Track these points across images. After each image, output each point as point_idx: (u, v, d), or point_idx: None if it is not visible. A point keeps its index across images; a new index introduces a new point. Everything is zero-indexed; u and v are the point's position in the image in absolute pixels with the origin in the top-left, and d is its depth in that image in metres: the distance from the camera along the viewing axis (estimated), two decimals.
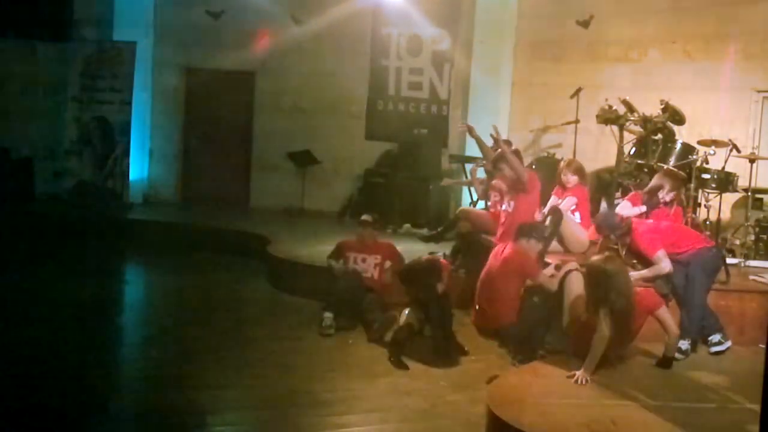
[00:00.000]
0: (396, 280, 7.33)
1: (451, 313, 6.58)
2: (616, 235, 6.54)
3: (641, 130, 7.99)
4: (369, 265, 7.49)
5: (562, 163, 7.96)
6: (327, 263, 7.66)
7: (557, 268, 6.44)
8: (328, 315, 6.89)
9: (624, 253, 6.55)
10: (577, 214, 7.53)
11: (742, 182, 7.82)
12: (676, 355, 5.84)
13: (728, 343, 6.17)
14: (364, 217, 7.84)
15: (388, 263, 7.53)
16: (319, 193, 11.94)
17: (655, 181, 7.20)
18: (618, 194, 8.03)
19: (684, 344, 5.98)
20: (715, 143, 7.86)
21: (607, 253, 6.07)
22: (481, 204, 8.95)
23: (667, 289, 6.27)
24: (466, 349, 6.41)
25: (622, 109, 8.15)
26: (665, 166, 7.49)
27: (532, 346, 6.08)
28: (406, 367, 6.05)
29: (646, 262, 6.38)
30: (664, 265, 6.22)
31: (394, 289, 7.30)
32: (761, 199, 8.06)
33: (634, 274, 6.09)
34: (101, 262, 9.49)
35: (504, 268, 6.42)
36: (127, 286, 9.07)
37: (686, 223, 7.17)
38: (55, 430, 4.76)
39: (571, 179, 7.63)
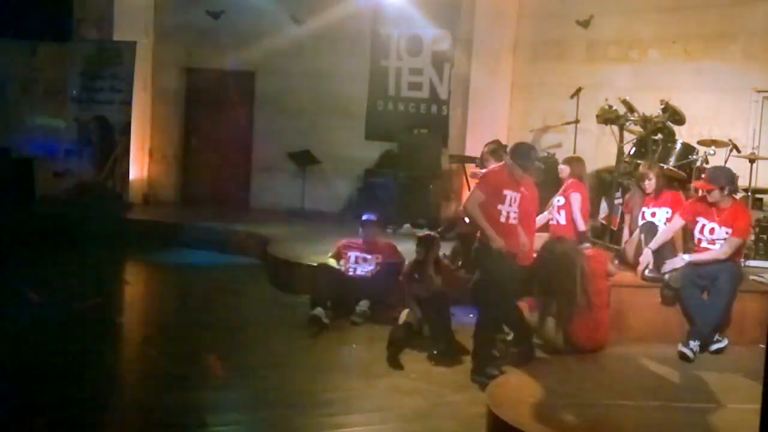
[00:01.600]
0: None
1: (450, 312, 6.58)
2: (727, 191, 6.36)
3: (641, 130, 7.99)
4: (370, 265, 7.51)
5: None
6: (325, 262, 7.67)
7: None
8: (319, 310, 6.98)
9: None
10: (562, 212, 7.50)
11: (742, 182, 7.82)
12: (689, 354, 5.87)
13: (726, 341, 6.18)
14: (366, 216, 7.84)
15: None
16: (319, 193, 11.94)
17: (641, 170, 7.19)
18: (618, 194, 8.03)
19: (694, 345, 5.98)
20: (715, 143, 7.86)
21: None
22: None
23: (672, 290, 6.29)
24: (467, 348, 6.41)
25: (622, 109, 8.15)
26: (664, 166, 7.49)
27: (529, 346, 6.07)
28: (401, 367, 6.04)
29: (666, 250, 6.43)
30: (725, 253, 6.25)
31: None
32: (761, 199, 8.06)
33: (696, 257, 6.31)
34: (101, 262, 9.48)
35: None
36: (127, 287, 9.07)
37: None
38: (55, 430, 4.76)
39: (563, 169, 7.64)
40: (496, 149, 7.75)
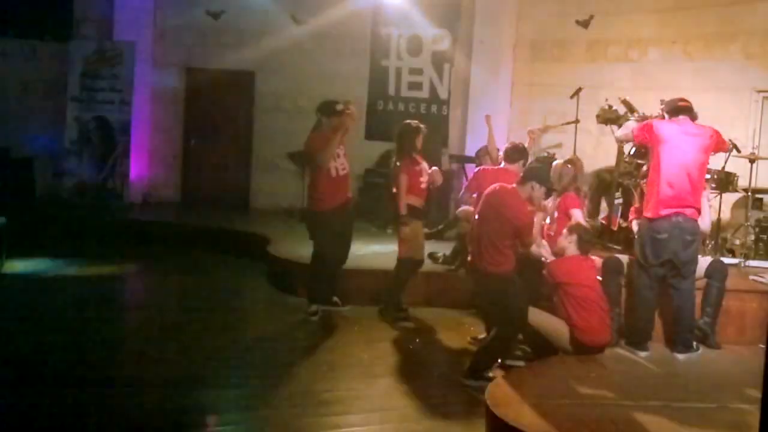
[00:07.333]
0: None
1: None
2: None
3: None
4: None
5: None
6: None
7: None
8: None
9: None
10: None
11: (742, 182, 7.82)
12: (680, 355, 5.84)
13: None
14: None
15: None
16: None
17: None
18: (618, 194, 8.02)
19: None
20: None
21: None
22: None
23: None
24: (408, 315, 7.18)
25: (622, 109, 8.15)
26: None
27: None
28: None
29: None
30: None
31: None
32: (761, 199, 8.07)
33: None
34: (101, 262, 9.48)
35: (492, 204, 5.79)
36: (127, 287, 9.07)
37: None
38: (55, 430, 4.76)
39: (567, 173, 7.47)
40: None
